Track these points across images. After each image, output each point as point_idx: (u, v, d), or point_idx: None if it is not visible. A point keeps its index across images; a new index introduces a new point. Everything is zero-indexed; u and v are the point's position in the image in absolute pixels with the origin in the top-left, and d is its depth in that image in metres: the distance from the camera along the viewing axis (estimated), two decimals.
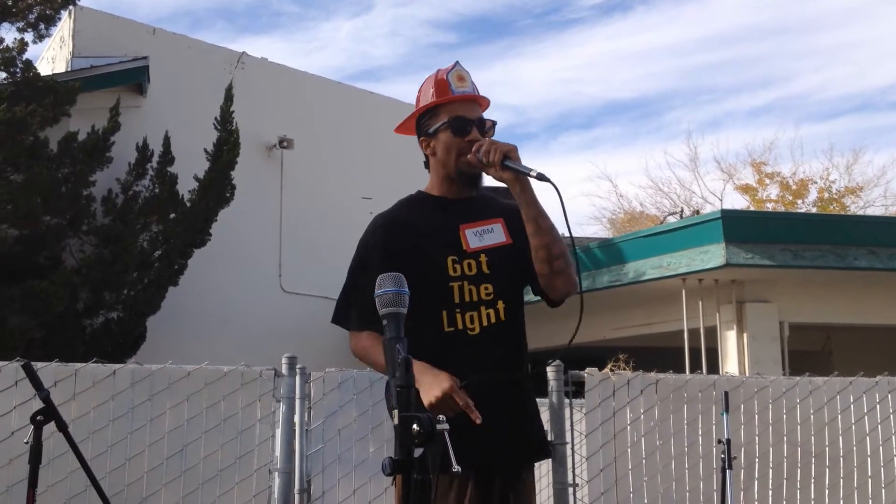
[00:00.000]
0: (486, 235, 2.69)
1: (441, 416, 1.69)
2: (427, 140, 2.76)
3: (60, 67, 11.41)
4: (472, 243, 2.66)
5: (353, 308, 2.70)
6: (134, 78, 11.17)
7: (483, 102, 2.78)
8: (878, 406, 5.25)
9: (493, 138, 2.69)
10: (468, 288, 2.62)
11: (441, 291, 2.61)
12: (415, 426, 1.63)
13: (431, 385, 2.39)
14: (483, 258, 2.65)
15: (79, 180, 9.41)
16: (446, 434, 1.66)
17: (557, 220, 2.59)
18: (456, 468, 1.76)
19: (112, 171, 10.03)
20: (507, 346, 2.64)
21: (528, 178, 2.51)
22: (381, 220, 2.76)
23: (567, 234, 2.57)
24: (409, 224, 2.71)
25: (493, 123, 2.74)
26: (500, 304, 2.63)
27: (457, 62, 2.76)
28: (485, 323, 2.61)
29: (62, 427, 3.40)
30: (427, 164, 2.82)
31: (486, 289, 2.63)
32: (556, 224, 2.65)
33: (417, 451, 1.62)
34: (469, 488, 2.52)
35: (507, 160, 2.53)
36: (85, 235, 9.73)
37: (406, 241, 2.66)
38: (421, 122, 2.78)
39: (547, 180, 2.46)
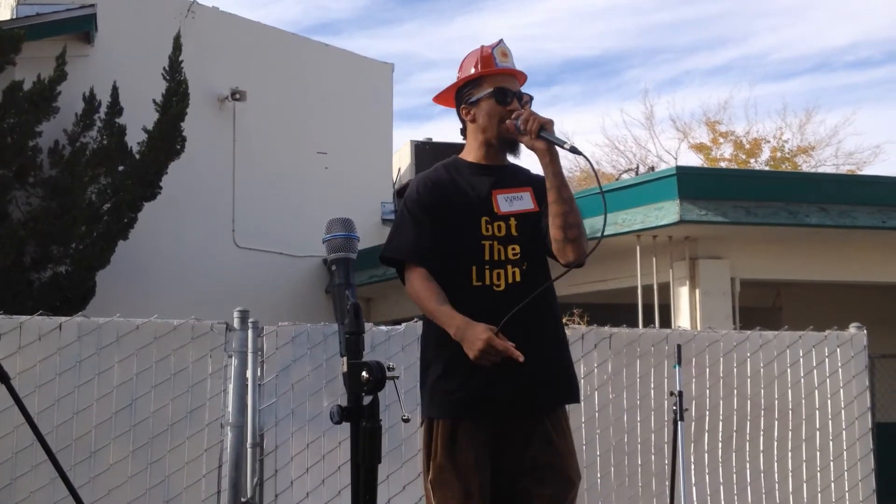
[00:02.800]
0: (515, 202, 2.92)
1: (391, 364, 1.66)
2: (468, 108, 3.00)
3: (5, 15, 11.07)
4: (503, 207, 2.90)
5: (404, 244, 2.91)
6: (81, 26, 10.86)
7: (521, 78, 3.05)
8: (826, 360, 5.33)
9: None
10: (497, 247, 2.86)
11: (473, 248, 2.85)
12: (364, 373, 1.59)
13: (472, 340, 2.63)
14: (512, 221, 2.89)
15: (24, 131, 9.18)
16: (395, 384, 1.63)
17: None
18: (406, 416, 1.74)
19: (59, 121, 9.79)
20: (531, 305, 2.77)
21: (560, 149, 2.72)
22: (421, 180, 3.00)
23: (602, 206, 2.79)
24: (447, 185, 2.94)
25: (531, 98, 2.98)
26: (525, 265, 2.86)
27: (501, 40, 3.01)
28: (510, 280, 2.84)
29: (5, 379, 3.32)
30: (463, 132, 3.07)
31: (514, 249, 2.86)
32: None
33: (366, 399, 1.59)
34: (505, 429, 2.78)
35: (542, 131, 2.75)
36: (31, 188, 9.52)
37: (444, 200, 2.90)
38: (462, 92, 3.01)
39: (579, 153, 2.70)
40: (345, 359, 1.64)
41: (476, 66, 2.99)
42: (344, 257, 1.83)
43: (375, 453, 1.58)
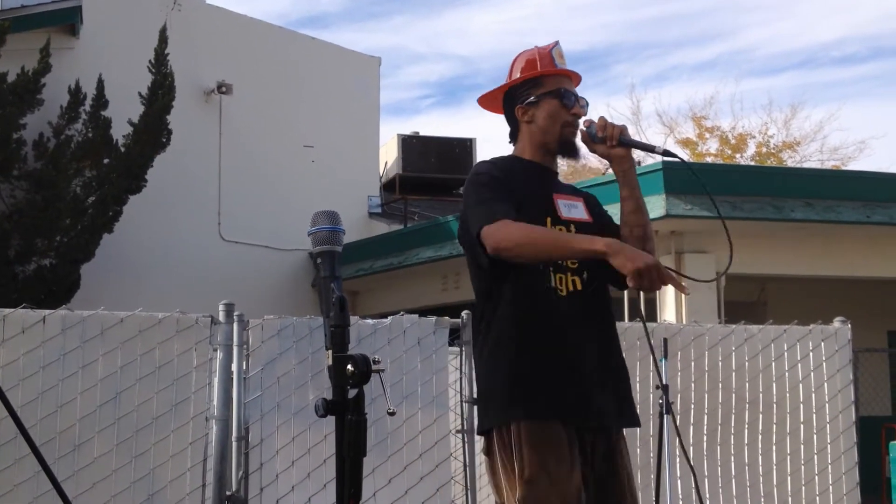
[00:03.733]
0: (573, 210, 2.82)
1: (376, 357, 1.65)
2: (526, 108, 2.85)
3: None
4: (564, 213, 2.78)
5: (501, 209, 2.63)
6: (66, 18, 10.81)
7: (577, 81, 2.94)
8: (811, 353, 5.36)
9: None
10: None
11: None
12: (349, 366, 1.59)
13: (640, 254, 2.47)
14: (573, 228, 2.76)
15: (8, 123, 9.12)
16: (381, 377, 1.63)
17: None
18: (391, 409, 1.74)
19: (43, 114, 9.74)
20: (591, 314, 2.73)
21: (645, 154, 2.67)
22: (491, 162, 2.85)
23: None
24: (519, 174, 2.81)
25: (587, 102, 2.88)
26: (584, 273, 2.73)
27: (557, 41, 2.89)
28: (570, 288, 2.71)
29: None
30: (513, 135, 2.92)
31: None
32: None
33: (352, 392, 1.58)
34: (576, 439, 2.60)
35: (623, 136, 2.71)
36: (16, 180, 9.47)
37: (517, 186, 2.74)
38: (517, 91, 2.88)
39: (674, 156, 2.65)
40: (330, 352, 1.64)
41: (534, 67, 2.86)
42: (329, 250, 1.82)
43: (361, 446, 1.57)
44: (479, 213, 2.64)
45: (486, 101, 3.03)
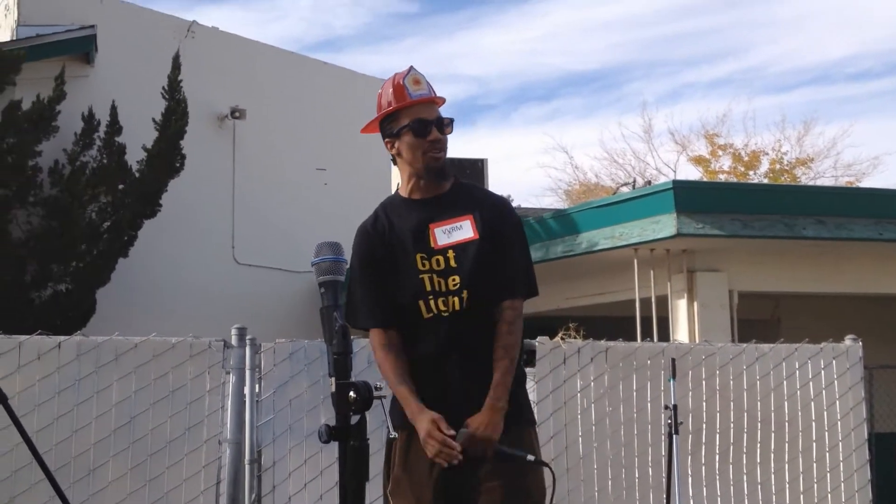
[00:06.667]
0: (454, 232, 2.90)
1: (378, 384, 1.69)
2: (391, 141, 2.97)
3: (5, 36, 11.12)
4: (441, 240, 2.89)
5: (357, 310, 2.90)
6: (81, 47, 10.92)
7: (439, 102, 3.01)
8: (822, 372, 5.35)
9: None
10: (437, 280, 2.86)
11: (415, 284, 2.86)
12: (351, 393, 1.62)
13: (419, 430, 2.67)
14: (451, 253, 2.88)
15: (24, 150, 9.22)
16: (382, 402, 1.66)
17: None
18: (392, 434, 1.77)
19: (59, 141, 9.84)
20: (475, 328, 2.84)
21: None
22: (359, 231, 3.01)
23: None
24: (384, 229, 2.95)
25: (451, 120, 2.97)
26: (465, 294, 2.84)
27: (411, 67, 2.98)
28: (454, 308, 2.85)
29: (2, 399, 3.35)
30: (394, 161, 3.03)
31: (454, 280, 2.86)
32: None
33: (354, 418, 1.62)
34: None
35: (497, 451, 2.73)
36: (32, 207, 9.55)
37: (382, 245, 2.92)
38: (384, 125, 2.99)
39: (545, 465, 2.74)
40: (333, 379, 1.67)
41: (389, 101, 2.94)
42: (332, 280, 1.86)
43: (363, 472, 1.60)
44: (346, 301, 2.77)
45: (368, 131, 3.09)
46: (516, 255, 2.96)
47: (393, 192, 3.13)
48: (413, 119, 2.90)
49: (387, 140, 2.98)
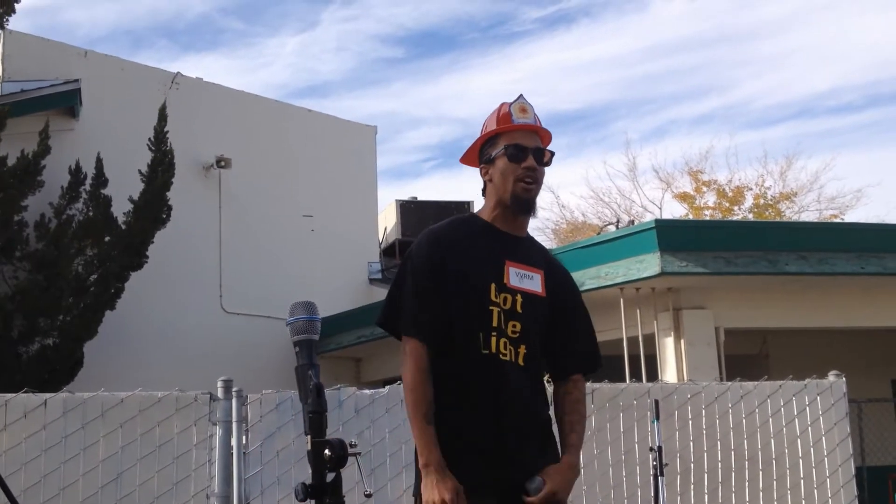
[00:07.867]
0: (525, 280, 2.79)
1: (353, 441, 1.71)
2: (486, 167, 2.88)
3: None
4: (513, 281, 2.76)
5: (403, 314, 2.75)
6: (65, 101, 11.03)
7: (545, 135, 2.92)
8: (807, 408, 5.37)
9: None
10: (503, 318, 2.73)
11: (482, 314, 2.71)
12: (326, 451, 1.65)
13: (435, 486, 2.50)
14: (519, 298, 2.76)
15: (10, 206, 9.26)
16: (357, 460, 1.69)
17: None
18: (368, 491, 1.79)
19: (44, 195, 9.89)
20: (530, 385, 2.77)
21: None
22: (431, 235, 2.84)
23: None
24: (461, 241, 2.81)
25: (552, 154, 2.88)
26: (522, 348, 2.74)
27: (521, 95, 2.89)
28: (512, 359, 2.73)
29: None
30: (484, 191, 2.92)
31: (514, 326, 2.73)
32: None
33: (330, 476, 1.64)
34: None
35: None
36: (18, 262, 9.58)
37: (455, 257, 2.76)
38: (482, 151, 2.90)
39: None
40: (308, 437, 1.70)
41: (494, 125, 2.87)
42: (307, 339, 1.89)
43: None
44: (387, 302, 2.81)
45: (467, 161, 3.03)
46: (591, 328, 2.97)
47: (464, 214, 3.00)
48: (511, 143, 2.81)
49: (482, 166, 2.89)
